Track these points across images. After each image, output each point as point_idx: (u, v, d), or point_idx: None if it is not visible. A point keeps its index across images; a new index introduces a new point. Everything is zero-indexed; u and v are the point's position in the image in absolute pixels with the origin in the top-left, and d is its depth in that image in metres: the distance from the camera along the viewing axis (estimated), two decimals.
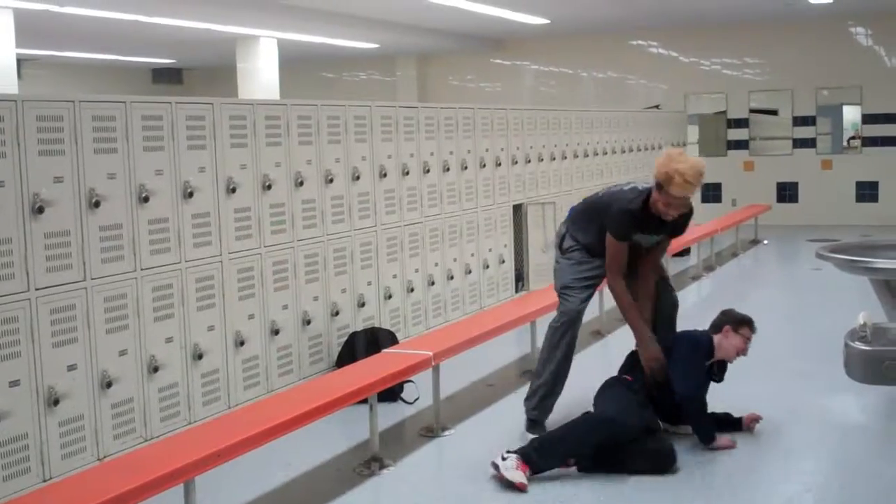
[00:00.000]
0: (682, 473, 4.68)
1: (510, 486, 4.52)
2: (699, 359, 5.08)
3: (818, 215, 15.41)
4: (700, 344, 5.12)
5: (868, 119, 15.44)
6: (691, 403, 4.98)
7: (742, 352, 5.13)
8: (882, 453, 4.99)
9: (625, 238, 5.10)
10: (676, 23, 15.59)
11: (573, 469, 4.70)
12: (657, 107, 15.35)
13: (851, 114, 15.76)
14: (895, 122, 15.21)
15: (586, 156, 11.00)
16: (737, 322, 5.14)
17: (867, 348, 3.45)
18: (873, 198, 15.29)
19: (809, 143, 15.85)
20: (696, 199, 17.45)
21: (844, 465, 4.95)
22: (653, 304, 5.23)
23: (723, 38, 16.11)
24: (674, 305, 5.36)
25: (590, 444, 4.67)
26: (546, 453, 4.65)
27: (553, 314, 5.46)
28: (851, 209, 15.33)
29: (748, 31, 15.74)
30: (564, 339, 5.36)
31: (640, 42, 16.76)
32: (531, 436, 5.13)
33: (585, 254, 5.32)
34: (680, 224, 5.16)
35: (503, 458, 4.61)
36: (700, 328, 5.29)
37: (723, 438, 5.00)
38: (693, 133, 15.94)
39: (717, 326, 5.17)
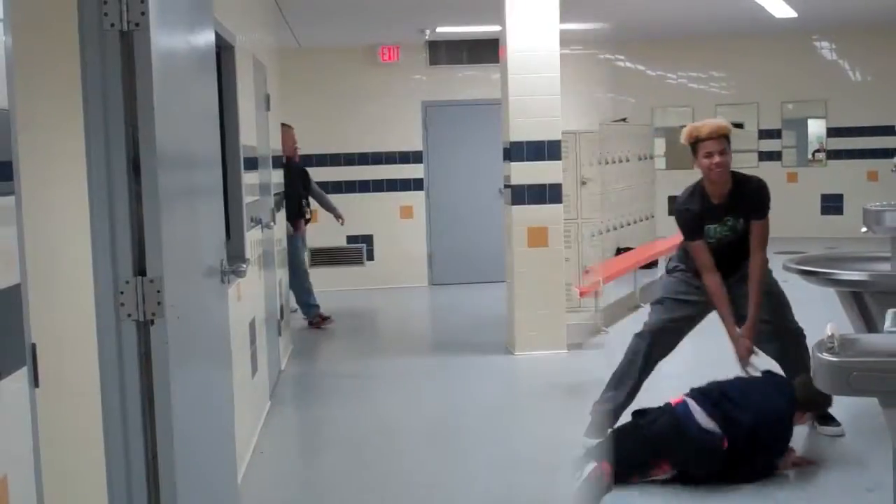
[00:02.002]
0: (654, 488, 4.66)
1: None
2: None
3: (784, 228, 15.38)
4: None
5: (833, 132, 15.59)
6: None
7: None
8: (850, 465, 4.99)
9: (693, 235, 5.20)
10: (643, 36, 15.66)
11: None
12: (624, 120, 15.40)
13: (816, 127, 15.91)
14: (859, 135, 15.37)
15: None
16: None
17: (835, 359, 3.45)
18: (838, 210, 15.43)
19: (775, 156, 15.97)
20: (662, 211, 17.18)
21: (813, 476, 4.95)
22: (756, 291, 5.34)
23: (689, 52, 16.19)
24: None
25: None
26: None
27: None
28: (817, 222, 15.46)
29: (714, 44, 15.84)
30: (639, 352, 5.37)
31: (606, 56, 16.83)
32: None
33: (691, 275, 5.36)
34: (755, 201, 5.37)
35: None
36: None
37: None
38: (660, 146, 16.00)
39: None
